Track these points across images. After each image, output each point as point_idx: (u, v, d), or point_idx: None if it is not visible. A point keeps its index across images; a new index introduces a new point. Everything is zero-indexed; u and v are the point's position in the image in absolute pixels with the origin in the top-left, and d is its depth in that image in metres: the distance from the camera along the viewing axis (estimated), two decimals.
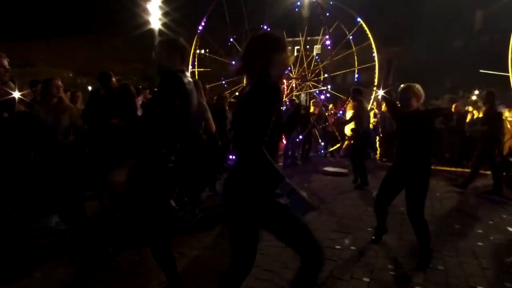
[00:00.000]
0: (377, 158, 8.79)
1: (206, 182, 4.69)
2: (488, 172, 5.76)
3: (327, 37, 9.72)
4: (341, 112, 9.95)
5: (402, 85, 3.00)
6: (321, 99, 9.64)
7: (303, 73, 11.27)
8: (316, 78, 11.58)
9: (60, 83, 3.39)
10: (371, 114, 8.94)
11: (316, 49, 13.14)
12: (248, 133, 1.45)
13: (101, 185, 3.04)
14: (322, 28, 10.19)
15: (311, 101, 10.39)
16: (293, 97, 10.71)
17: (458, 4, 22.75)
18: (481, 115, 6.88)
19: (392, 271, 2.78)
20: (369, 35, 10.17)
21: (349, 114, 8.15)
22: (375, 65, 10.57)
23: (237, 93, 11.99)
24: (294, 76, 11.24)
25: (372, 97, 9.80)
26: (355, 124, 5.97)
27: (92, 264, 2.32)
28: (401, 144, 3.10)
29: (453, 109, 8.70)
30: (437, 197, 5.23)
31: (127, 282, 2.53)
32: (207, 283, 2.52)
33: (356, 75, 11.17)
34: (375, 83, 9.89)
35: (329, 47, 9.48)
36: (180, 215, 4.01)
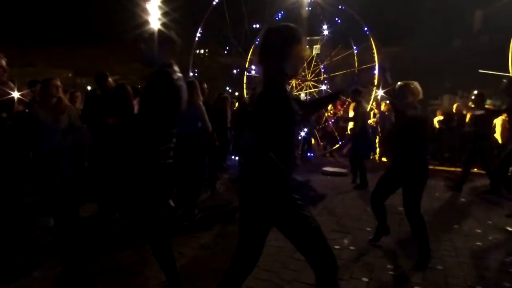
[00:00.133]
0: (377, 158, 8.79)
1: (205, 182, 4.69)
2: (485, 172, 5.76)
3: (326, 33, 9.72)
4: (341, 112, 9.95)
5: (399, 83, 3.01)
6: None
7: (303, 73, 11.27)
8: (316, 78, 11.58)
9: (59, 83, 3.40)
10: (371, 114, 8.95)
11: (316, 49, 13.14)
12: (255, 138, 1.47)
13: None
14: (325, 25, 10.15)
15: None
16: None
17: (458, 4, 22.76)
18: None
19: (391, 271, 2.78)
20: (372, 41, 10.15)
21: (351, 114, 8.16)
22: (375, 65, 10.57)
23: (236, 93, 11.99)
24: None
25: (372, 97, 9.80)
26: (354, 125, 6.01)
27: (74, 267, 2.16)
28: (398, 143, 3.11)
29: (454, 110, 8.72)
30: (436, 197, 5.23)
31: (126, 282, 2.52)
32: (207, 283, 2.52)
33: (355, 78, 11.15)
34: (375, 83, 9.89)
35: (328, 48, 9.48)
36: (169, 217, 3.86)
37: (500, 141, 6.49)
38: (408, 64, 21.76)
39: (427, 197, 5.21)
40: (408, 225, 2.96)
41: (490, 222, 4.03)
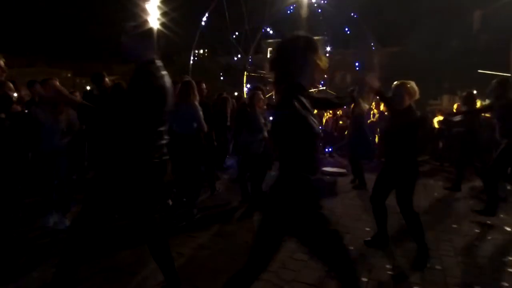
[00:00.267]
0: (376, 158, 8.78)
1: (204, 182, 4.68)
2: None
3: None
4: (340, 112, 9.95)
5: (395, 82, 3.01)
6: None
7: None
8: None
9: (57, 83, 3.39)
10: (370, 114, 8.94)
11: None
12: (284, 153, 1.49)
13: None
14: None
15: None
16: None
17: (457, 4, 22.76)
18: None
19: (390, 271, 2.78)
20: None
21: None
22: (374, 65, 10.58)
23: (236, 93, 11.99)
24: None
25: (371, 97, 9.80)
26: (349, 125, 6.00)
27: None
28: (387, 143, 3.12)
29: (454, 110, 8.72)
30: (435, 197, 5.24)
31: (125, 282, 2.52)
32: (205, 283, 2.53)
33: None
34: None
35: (328, 48, 9.49)
36: (168, 217, 3.85)
37: None
38: (407, 64, 21.76)
39: (426, 197, 5.22)
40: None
41: (489, 222, 4.03)
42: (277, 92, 1.59)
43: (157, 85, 1.90)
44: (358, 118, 5.86)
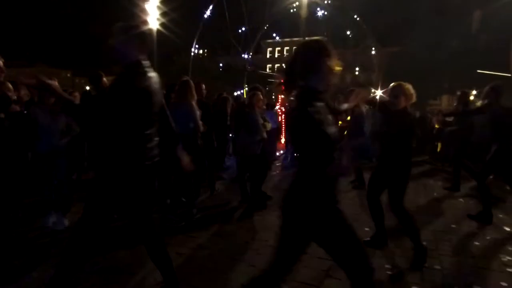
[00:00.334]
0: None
1: (203, 182, 4.68)
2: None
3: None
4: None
5: (393, 83, 3.03)
6: None
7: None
8: None
9: (56, 83, 3.38)
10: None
11: None
12: (302, 155, 1.54)
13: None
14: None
15: None
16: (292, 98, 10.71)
17: (457, 4, 22.78)
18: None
19: (389, 270, 2.79)
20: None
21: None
22: (374, 65, 10.59)
23: (235, 94, 11.99)
24: None
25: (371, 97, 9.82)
26: (347, 126, 6.02)
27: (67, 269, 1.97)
28: (381, 143, 3.13)
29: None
30: (434, 196, 5.25)
31: (123, 282, 2.53)
32: (204, 283, 2.53)
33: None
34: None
35: None
36: (167, 218, 3.82)
37: None
38: (407, 64, 21.78)
39: (426, 197, 5.23)
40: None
41: None
42: (293, 96, 1.60)
43: (141, 87, 1.84)
44: (358, 118, 5.86)
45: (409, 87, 2.96)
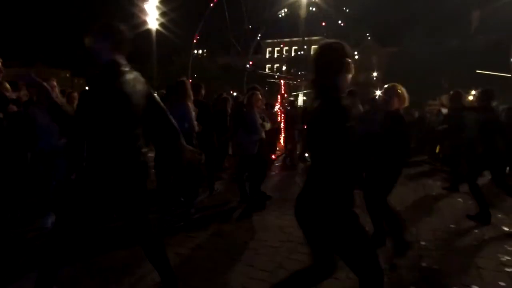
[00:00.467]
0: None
1: (201, 182, 4.68)
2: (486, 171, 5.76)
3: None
4: None
5: (386, 85, 3.05)
6: None
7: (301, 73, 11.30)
8: None
9: (55, 83, 3.38)
10: None
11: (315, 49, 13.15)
12: (321, 157, 1.55)
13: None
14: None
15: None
16: (291, 98, 10.74)
17: (456, 4, 22.82)
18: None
19: (387, 270, 2.78)
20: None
21: None
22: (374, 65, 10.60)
23: (235, 94, 11.99)
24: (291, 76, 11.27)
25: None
26: None
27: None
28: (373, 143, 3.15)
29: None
30: (433, 196, 5.25)
31: (122, 282, 2.52)
32: (203, 283, 2.53)
33: None
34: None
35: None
36: (166, 219, 3.85)
37: None
38: (407, 64, 21.79)
39: (425, 197, 5.23)
40: (406, 225, 2.97)
41: None
42: (316, 96, 1.65)
43: (114, 87, 1.81)
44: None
45: (403, 90, 2.97)
